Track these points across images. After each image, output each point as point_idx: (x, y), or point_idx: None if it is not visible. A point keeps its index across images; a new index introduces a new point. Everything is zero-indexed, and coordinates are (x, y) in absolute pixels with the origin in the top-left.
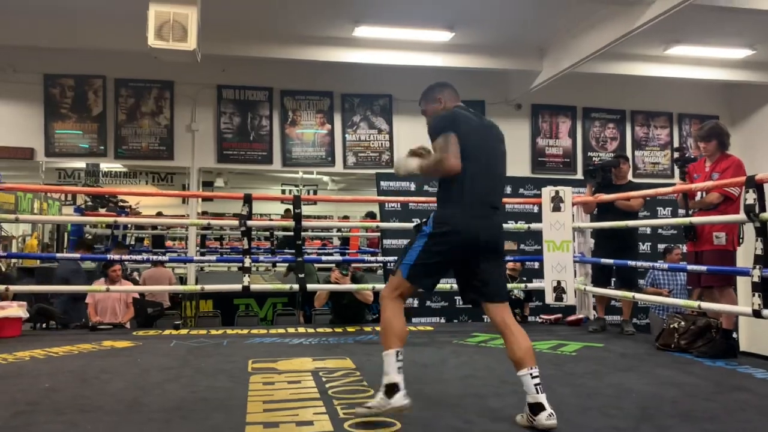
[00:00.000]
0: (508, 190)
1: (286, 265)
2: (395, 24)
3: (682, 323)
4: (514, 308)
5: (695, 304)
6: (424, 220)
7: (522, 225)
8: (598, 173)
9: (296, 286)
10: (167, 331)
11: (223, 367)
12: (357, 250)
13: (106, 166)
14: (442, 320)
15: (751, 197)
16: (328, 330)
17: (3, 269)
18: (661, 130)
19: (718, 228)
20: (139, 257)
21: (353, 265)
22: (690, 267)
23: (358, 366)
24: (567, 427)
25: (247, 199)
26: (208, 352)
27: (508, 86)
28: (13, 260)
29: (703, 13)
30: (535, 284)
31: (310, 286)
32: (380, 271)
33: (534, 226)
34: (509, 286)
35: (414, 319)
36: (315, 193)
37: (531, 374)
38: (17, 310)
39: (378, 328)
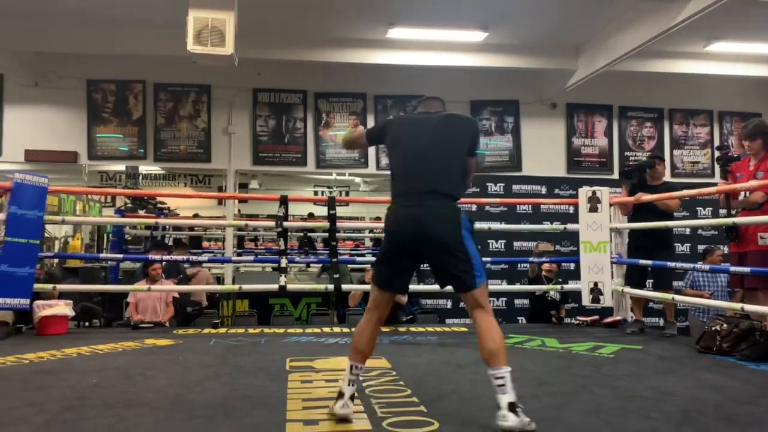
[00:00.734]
0: (543, 190)
1: (320, 265)
2: (429, 25)
3: (725, 326)
4: (550, 310)
5: (738, 306)
6: None
7: (558, 226)
8: (634, 174)
9: (331, 287)
10: (206, 330)
11: (262, 366)
12: None
13: (145, 168)
14: None
15: None
16: None
17: (48, 269)
18: (700, 128)
19: (763, 228)
20: (179, 258)
21: None
22: (733, 268)
23: (394, 366)
24: (606, 429)
25: (284, 201)
26: (246, 350)
27: (543, 85)
28: (56, 260)
29: (744, 8)
30: (572, 286)
31: (344, 287)
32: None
33: (570, 226)
34: (545, 287)
35: (447, 320)
36: (347, 194)
37: (494, 375)
38: (64, 308)
39: (412, 329)
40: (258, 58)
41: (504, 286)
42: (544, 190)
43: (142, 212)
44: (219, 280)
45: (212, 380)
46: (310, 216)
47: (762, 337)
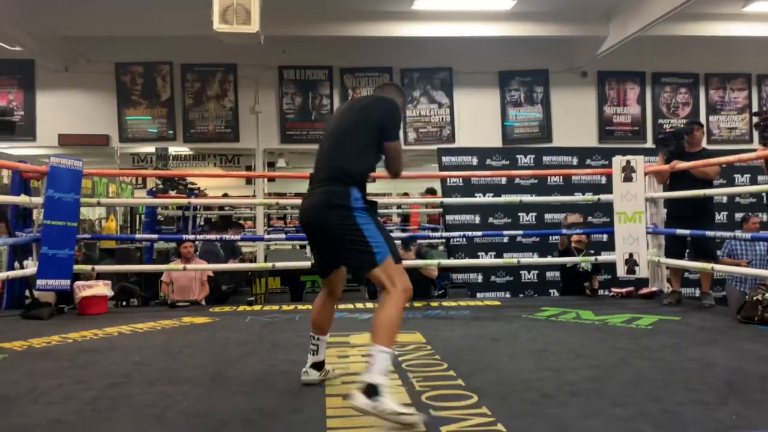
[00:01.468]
0: (575, 161)
1: None
2: None
3: (767, 295)
4: (582, 282)
5: None
6: None
7: (591, 197)
8: (670, 141)
9: None
10: (241, 308)
11: (298, 342)
12: (417, 227)
13: (174, 149)
14: (508, 295)
15: None
16: None
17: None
18: (738, 92)
19: None
20: (210, 237)
21: (418, 241)
22: None
23: (429, 340)
24: (647, 401)
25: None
26: (282, 327)
27: (573, 54)
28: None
29: None
30: (605, 257)
31: None
32: (441, 247)
33: (603, 197)
34: (575, 259)
35: (479, 294)
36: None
37: (370, 350)
38: (103, 288)
39: (444, 303)
40: (283, 35)
41: (535, 259)
42: (575, 161)
43: (173, 193)
44: (247, 257)
45: (250, 357)
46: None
47: None
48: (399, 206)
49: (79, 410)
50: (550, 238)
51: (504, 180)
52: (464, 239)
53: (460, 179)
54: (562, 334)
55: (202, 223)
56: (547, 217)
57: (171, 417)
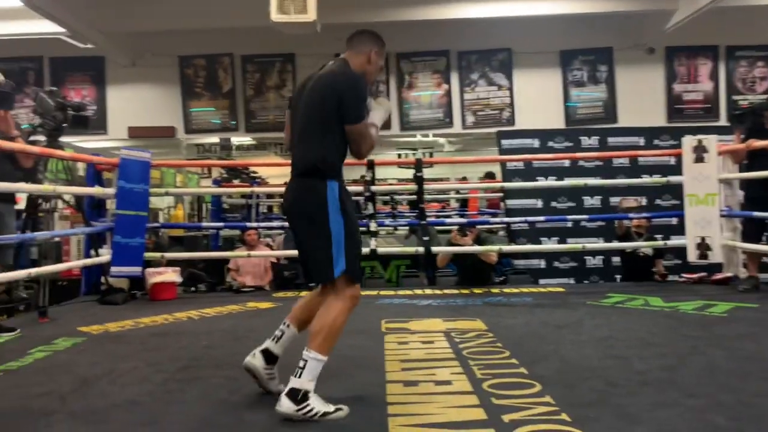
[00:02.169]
0: (642, 141)
1: (407, 228)
2: None
3: None
4: (645, 267)
5: None
6: None
7: (659, 179)
8: (747, 117)
9: (421, 249)
10: (303, 293)
11: (359, 327)
12: (477, 212)
13: (237, 139)
14: (572, 281)
15: None
16: (455, 291)
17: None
18: None
19: None
20: (273, 224)
21: (478, 226)
22: None
23: (490, 327)
24: (722, 392)
25: (371, 165)
26: None
27: (639, 29)
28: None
29: None
30: (675, 241)
31: (434, 249)
32: (502, 233)
33: (673, 179)
34: (635, 243)
35: (542, 281)
36: (431, 155)
37: (303, 355)
38: (172, 275)
39: (506, 290)
40: (339, 22)
41: (601, 244)
42: (642, 141)
43: (237, 182)
44: None
45: None
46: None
47: None
48: (457, 191)
49: (152, 392)
50: (616, 222)
51: (567, 162)
52: (526, 224)
53: (521, 163)
54: (629, 321)
55: (264, 210)
56: (613, 200)
57: (236, 400)
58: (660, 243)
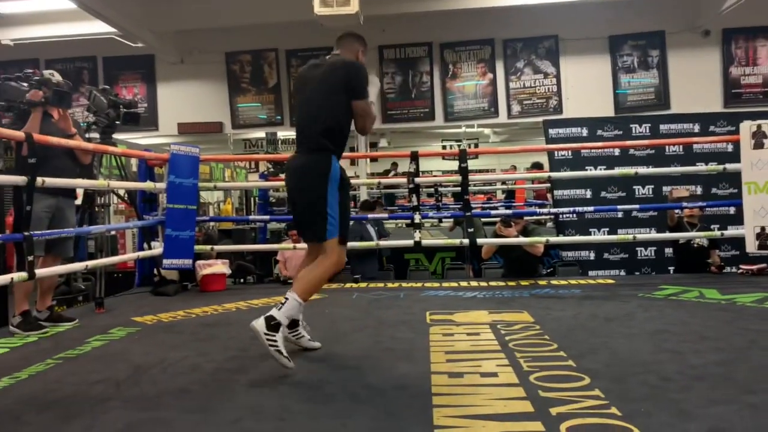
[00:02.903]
0: (696, 128)
1: (452, 220)
2: None
3: None
4: (698, 258)
5: None
6: None
7: (715, 166)
8: None
9: (466, 241)
10: (348, 285)
11: (403, 319)
12: (523, 203)
13: (282, 134)
14: (622, 273)
15: None
16: (501, 283)
17: (206, 231)
18: None
19: None
20: None
21: (525, 217)
22: None
23: (537, 319)
24: None
25: (414, 157)
26: (387, 304)
27: (693, 11)
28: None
29: None
30: (732, 231)
31: (479, 241)
32: (549, 224)
33: (730, 166)
34: (688, 234)
35: (591, 272)
36: (476, 146)
37: (286, 296)
38: (222, 267)
39: (553, 282)
40: (382, 14)
41: (653, 235)
42: (696, 128)
43: (283, 176)
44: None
45: (358, 333)
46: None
47: None
48: (503, 182)
49: (202, 380)
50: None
51: (617, 151)
52: (574, 215)
53: (569, 152)
54: (683, 314)
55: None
56: (666, 189)
57: (284, 390)
58: (716, 233)
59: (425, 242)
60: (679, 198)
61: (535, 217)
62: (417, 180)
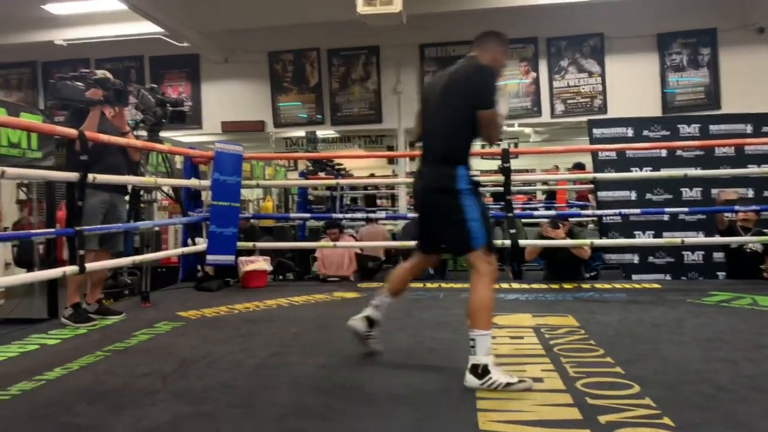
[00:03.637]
0: (749, 129)
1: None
2: None
3: None
4: (753, 264)
5: None
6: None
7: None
8: None
9: (507, 242)
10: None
11: (444, 320)
12: (565, 204)
13: (322, 133)
14: (668, 277)
15: None
16: (543, 286)
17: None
18: None
19: None
20: (356, 215)
21: (570, 219)
22: None
23: (582, 324)
24: None
25: None
26: (427, 304)
27: (746, 8)
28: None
29: None
30: None
31: (521, 242)
32: (591, 225)
33: None
34: (740, 239)
35: (635, 276)
36: (516, 146)
37: (469, 336)
38: (263, 263)
39: (597, 285)
40: (424, 12)
41: (702, 239)
42: (749, 128)
43: (322, 174)
44: (393, 236)
45: (399, 332)
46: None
47: None
48: (544, 182)
49: (246, 376)
50: (717, 216)
51: (664, 152)
52: (619, 217)
53: (614, 153)
54: (736, 321)
55: (348, 202)
56: (715, 192)
57: (328, 389)
58: (767, 238)
59: None
60: (728, 201)
61: (577, 219)
62: None
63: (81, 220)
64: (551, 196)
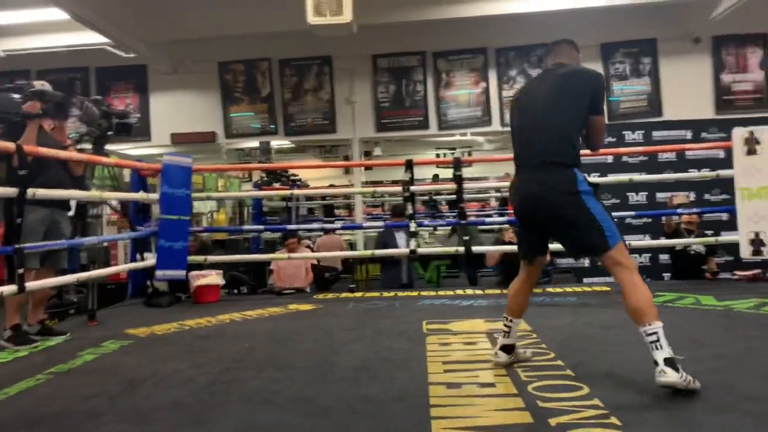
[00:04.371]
0: (688, 135)
1: (449, 228)
2: None
3: None
4: (696, 265)
5: None
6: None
7: (708, 173)
8: None
9: (462, 249)
10: (343, 295)
11: (400, 329)
12: None
13: (276, 143)
14: None
15: None
16: (497, 292)
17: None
18: None
19: None
20: (312, 226)
21: None
22: None
23: (534, 328)
24: None
25: (409, 165)
26: (383, 313)
27: (684, 19)
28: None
29: None
30: (726, 237)
31: (475, 248)
32: None
33: (723, 173)
34: (685, 240)
35: (586, 280)
36: (470, 155)
37: (645, 332)
38: (216, 277)
39: (549, 289)
40: (375, 23)
41: (647, 242)
42: (689, 134)
43: (277, 185)
44: (351, 245)
45: (355, 343)
46: (435, 178)
47: None
48: (497, 189)
49: (196, 393)
50: (663, 218)
51: (610, 158)
52: None
53: None
54: (680, 320)
55: (304, 212)
56: (660, 196)
57: (280, 402)
58: (711, 240)
59: (420, 250)
60: (679, 204)
61: None
62: (412, 188)
63: (20, 237)
64: (504, 203)
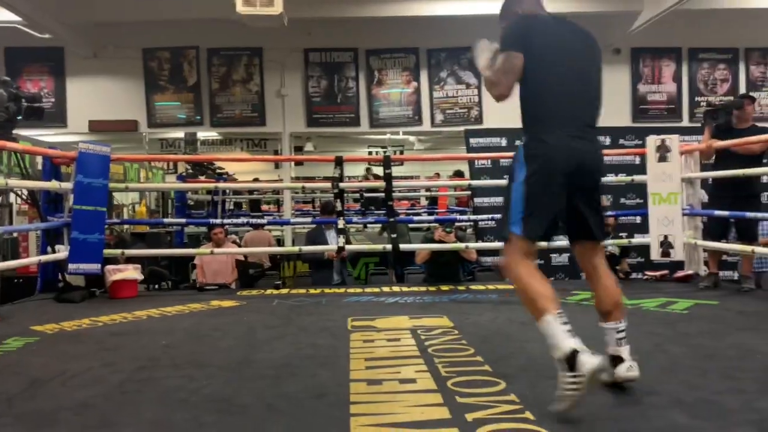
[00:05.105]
0: (607, 141)
1: (379, 225)
2: None
3: None
4: (611, 265)
5: None
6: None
7: (624, 177)
8: (719, 114)
9: (389, 246)
10: (269, 291)
11: (324, 325)
12: (446, 209)
13: (203, 134)
14: None
15: None
16: (422, 289)
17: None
18: None
19: None
20: (239, 221)
21: (456, 224)
22: None
23: (456, 324)
24: (684, 389)
25: (339, 162)
26: (308, 310)
27: (605, 30)
28: (125, 226)
29: None
30: (639, 239)
31: (403, 246)
32: (470, 230)
33: (637, 178)
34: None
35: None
36: (401, 153)
37: (617, 329)
38: (133, 272)
39: (472, 287)
40: (308, 17)
41: (566, 242)
42: (608, 140)
43: (202, 178)
44: (279, 242)
45: (277, 340)
46: (368, 172)
47: None
48: (427, 189)
49: (106, 393)
50: None
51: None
52: (493, 222)
53: (489, 161)
54: (593, 318)
55: (231, 207)
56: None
57: (195, 401)
58: (624, 241)
59: (348, 247)
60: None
61: (457, 224)
62: (342, 185)
63: None
64: (434, 202)
